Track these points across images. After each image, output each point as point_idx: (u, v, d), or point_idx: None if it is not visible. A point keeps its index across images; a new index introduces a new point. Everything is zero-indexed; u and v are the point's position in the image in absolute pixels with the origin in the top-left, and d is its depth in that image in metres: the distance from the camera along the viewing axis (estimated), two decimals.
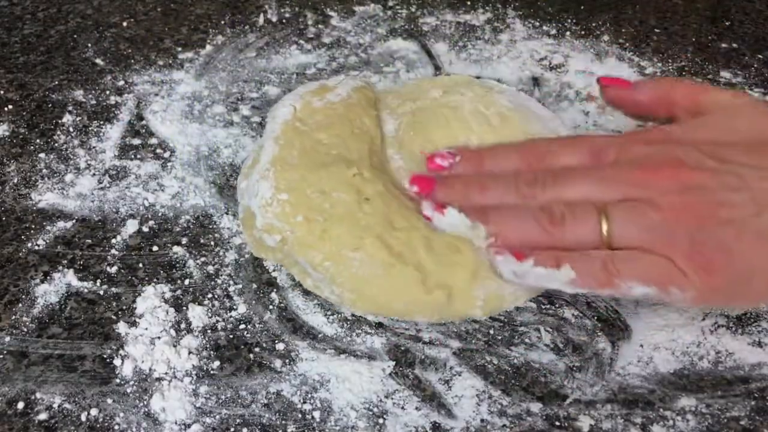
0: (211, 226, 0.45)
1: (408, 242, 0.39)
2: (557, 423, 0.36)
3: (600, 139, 0.40)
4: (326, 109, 0.47)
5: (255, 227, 0.41)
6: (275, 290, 0.42)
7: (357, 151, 0.44)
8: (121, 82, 0.57)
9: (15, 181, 0.48)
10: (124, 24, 0.63)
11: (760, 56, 0.63)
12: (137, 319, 0.39)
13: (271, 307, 0.41)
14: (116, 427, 0.35)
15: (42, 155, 0.50)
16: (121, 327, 0.39)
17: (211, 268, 0.43)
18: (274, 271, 0.42)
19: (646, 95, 0.42)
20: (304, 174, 0.42)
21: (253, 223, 0.42)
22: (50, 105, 0.54)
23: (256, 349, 0.38)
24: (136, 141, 0.51)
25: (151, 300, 0.40)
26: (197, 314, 0.40)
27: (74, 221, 0.45)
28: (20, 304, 0.40)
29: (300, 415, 0.35)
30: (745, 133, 0.38)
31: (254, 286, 0.42)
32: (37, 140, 0.51)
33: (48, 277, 0.42)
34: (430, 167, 0.42)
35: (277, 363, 0.38)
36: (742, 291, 0.36)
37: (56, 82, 0.56)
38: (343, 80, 0.50)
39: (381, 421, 0.35)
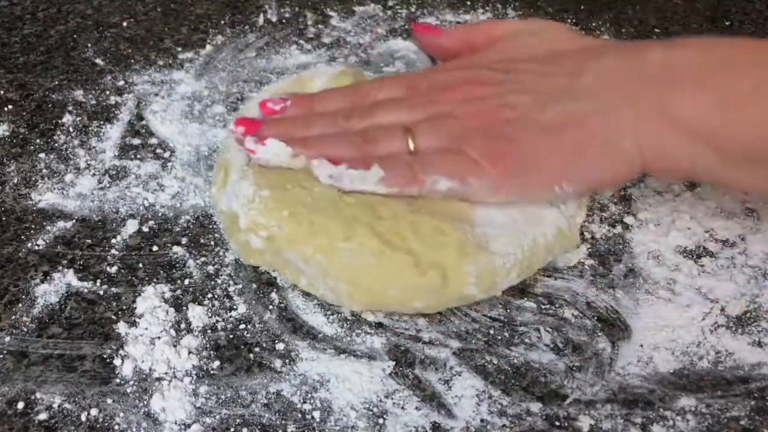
0: (211, 226, 0.45)
1: (396, 230, 0.39)
2: (557, 423, 0.36)
3: (412, 74, 0.47)
4: None
5: (239, 231, 0.41)
6: (275, 290, 0.42)
7: None
8: (121, 82, 0.57)
9: (15, 181, 0.48)
10: (124, 24, 0.63)
11: None
12: (137, 319, 0.39)
13: (271, 307, 0.41)
14: (116, 427, 0.35)
15: (42, 155, 0.50)
16: (121, 327, 0.39)
17: (211, 268, 0.43)
18: (274, 270, 0.42)
19: (451, 41, 0.48)
20: (281, 171, 0.42)
21: (237, 228, 0.41)
22: (50, 105, 0.54)
23: (256, 349, 0.38)
24: (136, 141, 0.51)
25: (151, 300, 0.40)
26: (197, 314, 0.40)
27: (74, 221, 0.45)
28: (20, 304, 0.40)
29: (300, 415, 0.36)
30: (532, 48, 0.44)
31: (254, 286, 0.42)
32: (37, 140, 0.51)
33: (48, 277, 0.42)
34: (262, 112, 0.45)
35: (277, 363, 0.38)
36: (534, 176, 0.40)
37: (56, 82, 0.56)
38: (319, 69, 0.50)
39: (381, 421, 0.35)
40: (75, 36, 0.62)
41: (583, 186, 0.41)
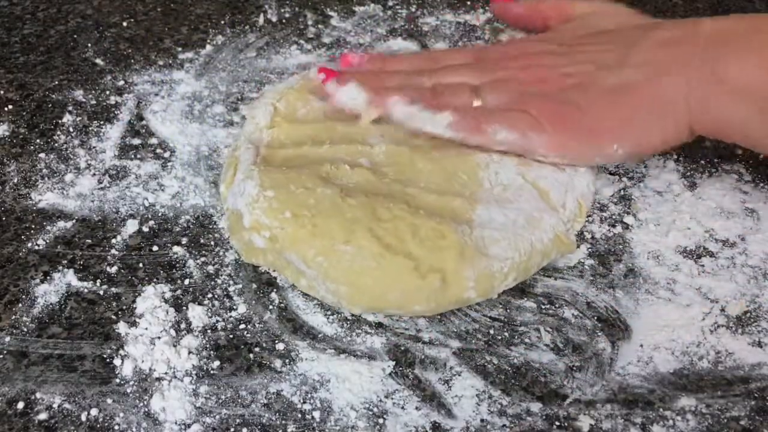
0: (211, 226, 0.45)
1: (395, 232, 0.39)
2: (557, 423, 0.36)
3: (483, 46, 0.52)
4: (309, 119, 0.48)
5: (243, 229, 0.41)
6: (275, 290, 0.42)
7: (339, 149, 0.45)
8: (121, 82, 0.57)
9: (15, 181, 0.48)
10: (124, 24, 0.63)
11: None
12: (137, 319, 0.39)
13: (271, 307, 0.41)
14: (116, 427, 0.35)
15: (42, 155, 0.50)
16: (121, 327, 0.39)
17: (211, 268, 0.43)
18: (274, 270, 0.42)
19: (522, 8, 0.54)
20: (286, 172, 0.42)
21: (241, 226, 0.41)
22: (50, 105, 0.54)
23: (256, 349, 0.38)
24: (136, 141, 0.51)
25: (151, 300, 0.40)
26: (197, 314, 0.40)
27: (74, 221, 0.45)
28: (20, 304, 0.40)
29: (300, 415, 0.35)
30: (596, 27, 0.48)
31: (254, 286, 0.42)
32: (37, 140, 0.51)
33: (48, 277, 0.42)
34: (342, 63, 0.49)
35: (277, 363, 0.38)
36: (589, 138, 0.43)
37: (56, 82, 0.56)
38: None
39: (381, 421, 0.35)
40: (75, 36, 0.62)
41: (634, 149, 0.44)
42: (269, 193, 0.41)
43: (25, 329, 0.39)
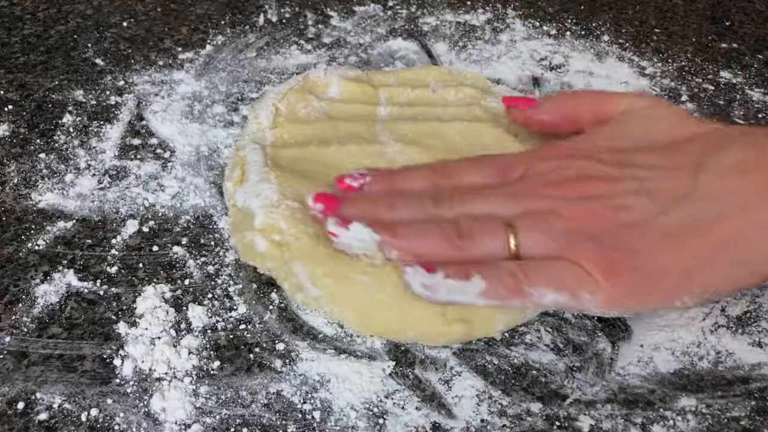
0: (211, 226, 0.45)
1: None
2: (557, 423, 0.36)
3: (506, 158, 0.41)
4: (312, 119, 0.48)
5: (248, 229, 0.40)
6: (275, 290, 0.42)
7: (349, 150, 0.45)
8: (121, 82, 0.57)
9: (15, 181, 0.48)
10: (124, 24, 0.63)
11: (760, 56, 0.63)
12: (137, 319, 0.39)
13: (271, 307, 0.41)
14: (116, 427, 0.35)
15: (42, 155, 0.50)
16: (121, 327, 0.39)
17: (211, 268, 0.43)
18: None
19: (550, 114, 0.44)
20: (302, 180, 0.42)
21: (246, 225, 0.40)
22: (50, 105, 0.54)
23: (256, 349, 0.38)
24: (136, 141, 0.51)
25: (151, 300, 0.40)
26: (197, 314, 0.40)
27: (74, 221, 0.45)
28: (20, 304, 0.40)
29: (300, 415, 0.36)
30: (645, 135, 0.39)
31: (254, 286, 0.42)
32: (37, 140, 0.51)
33: (48, 277, 0.42)
34: (340, 188, 0.40)
35: (277, 363, 0.38)
36: (654, 290, 0.36)
37: (56, 82, 0.56)
38: (328, 72, 0.51)
39: (381, 421, 0.35)
40: (75, 36, 0.62)
41: (704, 297, 0.37)
42: (294, 203, 0.40)
43: (25, 329, 0.39)
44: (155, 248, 0.44)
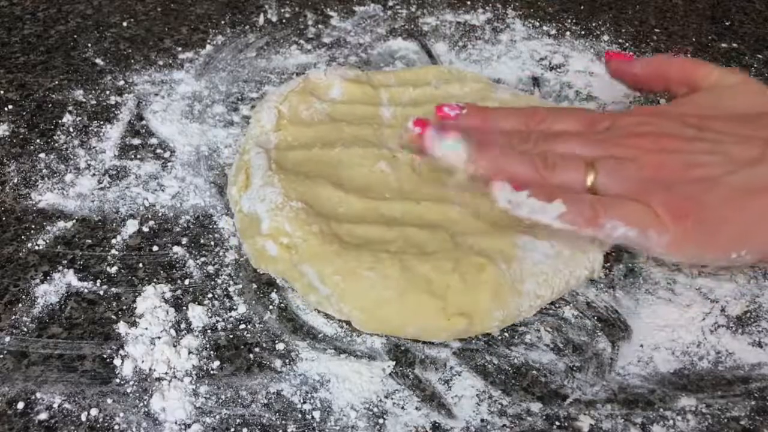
0: (211, 226, 0.45)
1: (435, 265, 0.38)
2: (557, 423, 0.36)
3: (595, 113, 0.44)
4: (315, 121, 0.48)
5: (257, 234, 0.41)
6: (275, 290, 0.42)
7: (354, 152, 0.45)
8: (121, 82, 0.57)
9: (15, 181, 0.48)
10: (124, 24, 0.63)
11: (760, 56, 0.63)
12: (137, 319, 0.39)
13: (271, 307, 0.41)
14: (116, 427, 0.35)
15: (42, 155, 0.50)
16: (121, 327, 0.39)
17: (211, 268, 0.43)
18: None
19: (643, 69, 0.47)
20: (307, 182, 0.42)
21: (255, 231, 0.41)
22: (50, 105, 0.54)
23: (256, 349, 0.38)
24: (136, 141, 0.51)
25: (151, 300, 0.40)
26: (197, 314, 0.40)
27: (74, 221, 0.45)
28: (20, 304, 0.40)
29: (300, 415, 0.35)
30: (729, 108, 0.42)
31: (254, 286, 0.42)
32: (37, 140, 0.51)
33: (48, 277, 0.42)
34: (438, 114, 0.43)
35: (277, 363, 0.38)
36: (714, 240, 0.38)
37: (56, 82, 0.56)
38: (328, 73, 0.51)
39: (381, 421, 0.35)
40: (75, 36, 0.62)
41: (761, 255, 0.38)
42: (297, 204, 0.40)
43: (25, 329, 0.39)
44: (155, 248, 0.44)
